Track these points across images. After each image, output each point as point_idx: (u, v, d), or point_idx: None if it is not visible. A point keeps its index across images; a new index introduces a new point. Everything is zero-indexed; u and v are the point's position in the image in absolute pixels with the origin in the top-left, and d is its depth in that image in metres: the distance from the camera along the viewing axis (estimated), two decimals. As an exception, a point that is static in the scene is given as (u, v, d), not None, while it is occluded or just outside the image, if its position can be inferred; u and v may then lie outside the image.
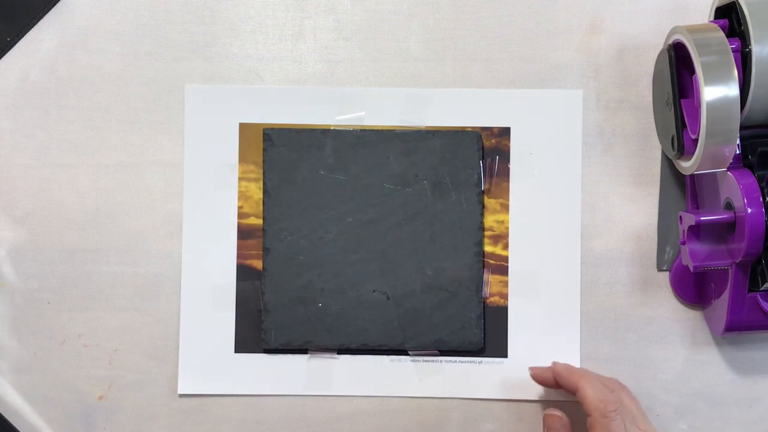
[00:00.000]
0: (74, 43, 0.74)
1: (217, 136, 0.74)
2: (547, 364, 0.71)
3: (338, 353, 0.73)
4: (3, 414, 0.74)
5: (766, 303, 0.67)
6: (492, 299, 0.73)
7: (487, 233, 0.73)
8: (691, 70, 0.63)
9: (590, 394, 0.65)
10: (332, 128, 0.73)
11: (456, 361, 0.73)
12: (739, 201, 0.63)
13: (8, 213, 0.74)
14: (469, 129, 0.73)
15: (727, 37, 0.63)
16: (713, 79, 0.61)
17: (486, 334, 0.73)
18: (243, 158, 0.74)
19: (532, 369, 0.71)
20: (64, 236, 0.74)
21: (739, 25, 0.64)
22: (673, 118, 0.66)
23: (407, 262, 0.73)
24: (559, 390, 0.70)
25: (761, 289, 0.66)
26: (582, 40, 0.74)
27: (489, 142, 0.73)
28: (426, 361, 0.73)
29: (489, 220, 0.73)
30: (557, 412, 0.69)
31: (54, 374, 0.74)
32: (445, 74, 0.74)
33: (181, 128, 0.74)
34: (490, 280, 0.73)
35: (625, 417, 0.64)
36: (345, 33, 0.74)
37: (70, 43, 0.74)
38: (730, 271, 0.66)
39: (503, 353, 0.73)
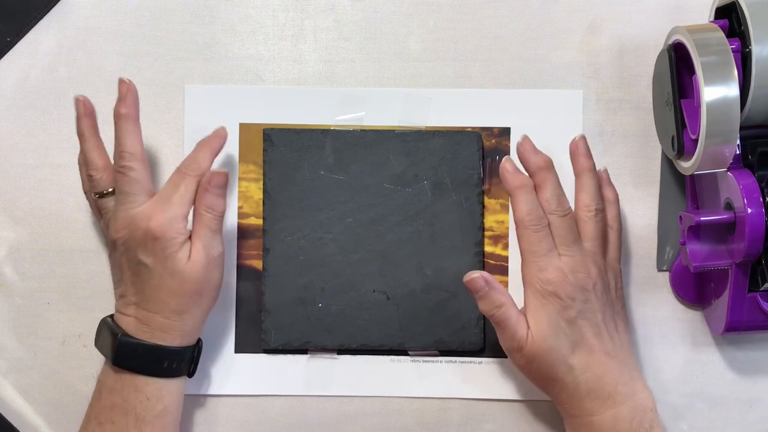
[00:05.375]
0: (74, 43, 0.74)
1: (217, 136, 0.74)
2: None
3: (338, 353, 0.73)
4: (3, 414, 0.74)
5: (766, 303, 0.67)
6: (492, 299, 0.73)
7: (487, 233, 0.73)
8: (691, 71, 0.63)
9: (520, 207, 0.66)
10: (332, 128, 0.74)
11: (456, 361, 0.73)
12: (739, 201, 0.63)
13: (8, 213, 0.74)
14: (469, 129, 0.73)
15: (727, 37, 0.63)
16: (713, 79, 0.61)
17: (486, 334, 0.73)
18: (243, 158, 0.74)
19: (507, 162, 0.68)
20: (64, 236, 0.74)
21: (739, 25, 0.64)
22: (673, 118, 0.66)
23: (407, 262, 0.73)
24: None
25: (761, 289, 0.66)
26: (582, 40, 0.74)
27: (489, 142, 0.73)
28: (426, 361, 0.73)
29: (489, 220, 0.73)
30: (475, 274, 0.66)
31: (54, 374, 0.74)
32: (445, 74, 0.74)
33: (181, 128, 0.74)
34: (490, 280, 0.73)
35: (557, 238, 0.66)
36: (345, 33, 0.74)
37: (70, 43, 0.74)
38: (730, 271, 0.66)
39: (503, 353, 0.73)
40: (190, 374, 0.69)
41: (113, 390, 0.66)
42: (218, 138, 0.70)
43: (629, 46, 0.73)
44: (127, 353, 0.66)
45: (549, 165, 0.67)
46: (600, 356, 0.64)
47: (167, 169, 0.74)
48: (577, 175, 0.68)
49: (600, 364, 0.64)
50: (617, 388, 0.64)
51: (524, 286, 0.66)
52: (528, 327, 0.65)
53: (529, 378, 0.68)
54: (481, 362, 0.73)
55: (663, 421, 0.72)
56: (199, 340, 0.70)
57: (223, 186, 0.67)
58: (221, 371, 0.73)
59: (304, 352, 0.73)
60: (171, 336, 0.66)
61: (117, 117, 0.67)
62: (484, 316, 0.72)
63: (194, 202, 0.67)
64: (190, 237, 0.66)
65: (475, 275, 0.66)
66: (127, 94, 0.67)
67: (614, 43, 0.73)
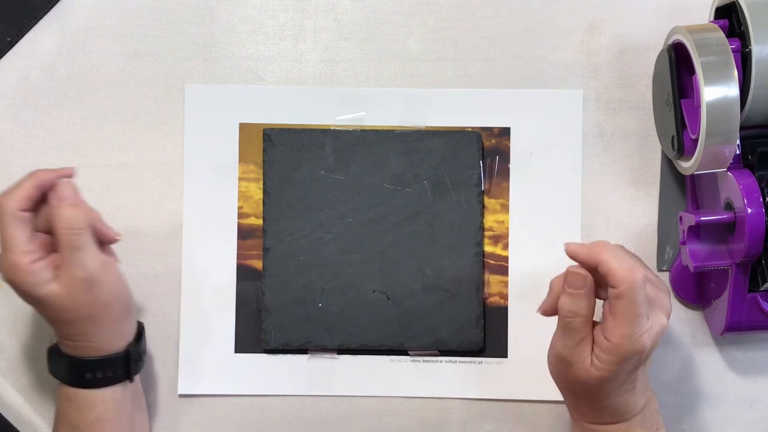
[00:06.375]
0: (74, 43, 0.74)
1: (217, 136, 0.74)
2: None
3: (338, 353, 0.73)
4: (3, 414, 0.74)
5: (766, 303, 0.67)
6: (492, 299, 0.73)
7: (487, 233, 0.73)
8: (691, 70, 0.63)
9: (616, 265, 0.58)
10: (332, 128, 0.74)
11: (456, 361, 0.73)
12: (739, 201, 0.63)
13: (8, 213, 0.74)
14: (469, 129, 0.73)
15: (727, 37, 0.63)
16: (713, 79, 0.61)
17: (486, 334, 0.73)
18: (243, 158, 0.74)
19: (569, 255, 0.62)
20: (64, 236, 0.74)
21: (739, 25, 0.64)
22: (673, 118, 0.66)
23: (407, 262, 0.73)
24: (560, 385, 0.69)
25: (761, 289, 0.66)
26: (582, 40, 0.74)
27: (489, 142, 0.73)
28: (426, 361, 0.73)
29: (489, 220, 0.73)
30: (582, 271, 0.61)
31: (54, 374, 0.74)
32: (445, 74, 0.74)
33: (181, 128, 0.74)
34: (490, 280, 0.73)
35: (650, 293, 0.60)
36: (345, 33, 0.74)
37: (70, 43, 0.74)
38: (730, 271, 0.66)
39: (503, 353, 0.73)
40: (130, 378, 0.67)
41: (57, 399, 0.67)
42: (54, 173, 0.63)
43: (629, 46, 0.73)
44: (54, 365, 0.66)
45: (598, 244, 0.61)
46: (631, 386, 0.62)
47: (166, 169, 0.74)
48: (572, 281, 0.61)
49: (627, 392, 0.62)
50: (635, 406, 0.63)
51: (606, 339, 0.60)
52: (591, 359, 0.61)
53: (551, 375, 0.65)
54: (481, 362, 0.73)
55: (663, 421, 0.72)
56: (134, 343, 0.67)
57: (74, 195, 0.62)
58: (221, 371, 0.73)
59: (304, 352, 0.73)
60: (84, 351, 0.64)
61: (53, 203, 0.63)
62: (484, 316, 0.73)
63: (45, 226, 0.63)
64: (55, 262, 0.62)
65: (582, 272, 0.61)
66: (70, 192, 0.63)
67: (614, 43, 0.73)
